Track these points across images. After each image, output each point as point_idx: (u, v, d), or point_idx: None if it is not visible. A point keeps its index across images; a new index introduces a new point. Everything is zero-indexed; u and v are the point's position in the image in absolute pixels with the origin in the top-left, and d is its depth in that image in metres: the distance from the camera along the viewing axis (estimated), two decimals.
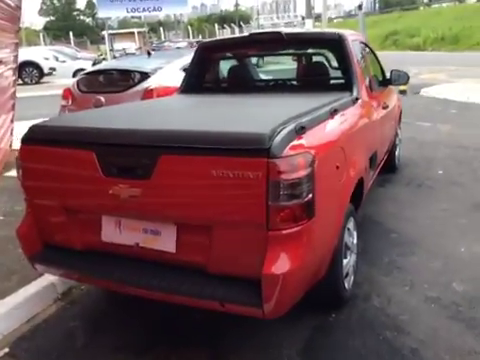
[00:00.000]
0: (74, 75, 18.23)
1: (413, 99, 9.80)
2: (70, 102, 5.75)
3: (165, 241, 2.09)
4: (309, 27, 21.02)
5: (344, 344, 2.33)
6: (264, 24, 49.43)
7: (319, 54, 3.72)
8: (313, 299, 2.31)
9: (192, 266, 2.05)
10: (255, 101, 3.13)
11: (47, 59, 20.05)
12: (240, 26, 44.57)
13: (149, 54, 6.16)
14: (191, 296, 1.99)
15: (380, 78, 4.11)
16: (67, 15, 67.56)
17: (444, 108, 8.98)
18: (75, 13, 70.92)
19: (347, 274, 2.58)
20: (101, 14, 23.54)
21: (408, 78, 4.02)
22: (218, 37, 14.45)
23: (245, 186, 1.82)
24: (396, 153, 4.94)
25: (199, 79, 3.80)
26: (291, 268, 1.85)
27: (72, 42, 34.83)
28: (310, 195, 1.86)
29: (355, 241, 2.74)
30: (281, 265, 1.84)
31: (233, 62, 4.07)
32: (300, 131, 1.96)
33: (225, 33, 42.32)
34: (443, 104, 9.39)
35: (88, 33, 53.59)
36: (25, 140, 2.33)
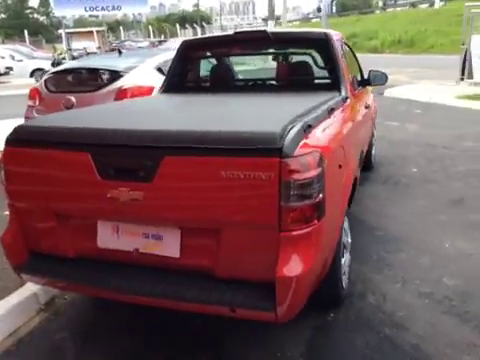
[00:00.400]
0: (31, 75, 17.57)
1: (379, 100, 9.96)
2: (37, 102, 5.48)
3: (168, 246, 2.00)
4: (271, 28, 21.29)
5: (346, 343, 2.33)
6: (227, 25, 49.40)
7: (305, 53, 3.70)
8: (314, 299, 2.29)
9: (197, 271, 1.98)
10: (247, 100, 3.07)
11: (3, 58, 19.16)
12: (202, 27, 44.36)
13: (120, 53, 5.97)
14: (199, 302, 1.91)
15: (359, 78, 4.15)
16: (20, 13, 64.79)
17: (408, 108, 9.26)
18: (28, 11, 68.22)
19: (344, 273, 2.58)
20: (57, 12, 22.74)
21: (386, 78, 4.07)
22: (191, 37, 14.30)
23: (256, 187, 1.77)
24: (372, 152, 5.04)
25: (182, 78, 3.70)
26: (304, 270, 1.81)
27: (27, 41, 33.46)
28: (321, 195, 1.83)
29: (349, 240, 2.75)
30: (294, 267, 1.80)
31: (216, 61, 3.99)
32: (307, 130, 1.93)
33: (187, 33, 41.98)
34: (407, 104, 9.68)
35: (43, 32, 51.75)
36: (9, 141, 2.17)
